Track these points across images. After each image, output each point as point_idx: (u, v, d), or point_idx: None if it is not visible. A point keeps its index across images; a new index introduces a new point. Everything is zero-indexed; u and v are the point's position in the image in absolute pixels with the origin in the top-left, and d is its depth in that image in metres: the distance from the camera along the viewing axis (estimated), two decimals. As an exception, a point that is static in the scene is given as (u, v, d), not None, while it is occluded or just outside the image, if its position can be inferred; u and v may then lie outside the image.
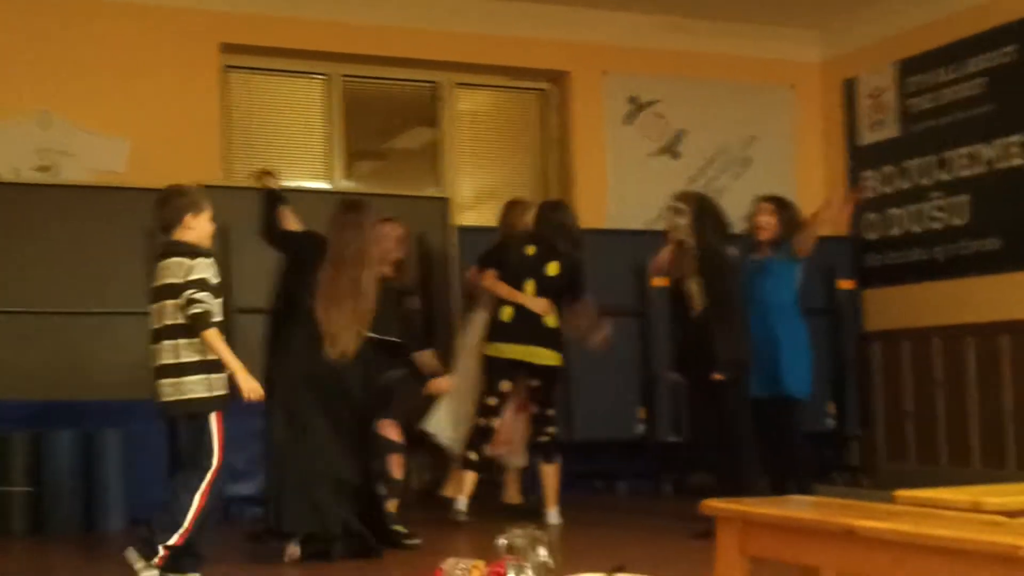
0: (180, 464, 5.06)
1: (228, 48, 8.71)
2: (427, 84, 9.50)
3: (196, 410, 4.86)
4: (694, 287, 6.33)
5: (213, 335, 4.81)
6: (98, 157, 8.24)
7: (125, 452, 7.26)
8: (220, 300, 4.92)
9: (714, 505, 3.48)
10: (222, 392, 4.91)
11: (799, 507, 3.38)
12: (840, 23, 9.81)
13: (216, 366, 4.88)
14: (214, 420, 4.89)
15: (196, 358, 4.86)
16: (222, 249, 7.91)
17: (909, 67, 9.36)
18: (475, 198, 9.63)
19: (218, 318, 4.88)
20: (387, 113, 9.65)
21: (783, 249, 6.75)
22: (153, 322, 4.95)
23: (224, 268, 7.85)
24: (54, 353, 7.67)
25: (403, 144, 9.90)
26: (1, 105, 8.05)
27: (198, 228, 4.96)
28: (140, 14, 8.41)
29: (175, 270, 4.87)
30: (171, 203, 4.98)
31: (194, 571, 4.94)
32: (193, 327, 4.79)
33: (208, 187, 8.04)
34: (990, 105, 8.72)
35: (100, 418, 7.32)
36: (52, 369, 7.64)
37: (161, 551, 4.76)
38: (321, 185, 9.05)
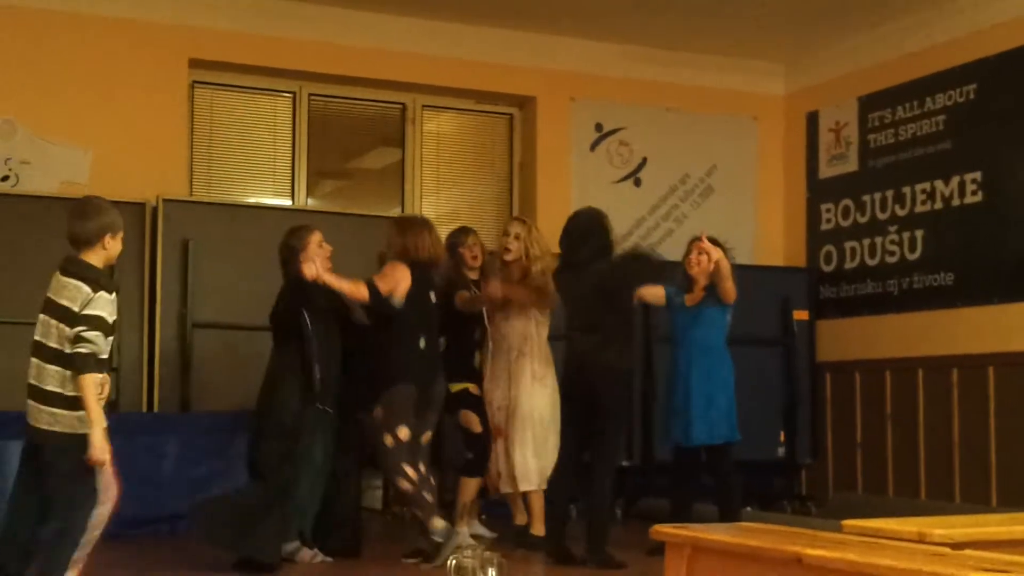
0: (45, 501, 4.73)
1: (196, 63, 8.71)
2: (394, 105, 9.54)
3: (67, 444, 4.61)
4: None
5: (88, 381, 4.57)
6: (61, 168, 8.22)
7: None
8: (111, 339, 4.71)
9: (664, 530, 3.52)
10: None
11: (748, 534, 3.42)
12: (804, 57, 9.94)
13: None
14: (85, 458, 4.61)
15: (72, 392, 4.64)
16: (181, 264, 7.93)
17: (871, 103, 9.49)
18: (438, 220, 9.64)
19: (104, 356, 4.67)
20: (353, 133, 9.68)
21: (712, 296, 6.82)
22: (38, 334, 4.75)
23: (183, 283, 7.94)
24: (11, 362, 7.61)
25: (368, 164, 9.93)
26: (-36, 113, 8.03)
27: (111, 249, 4.78)
28: (109, 27, 8.41)
29: (74, 294, 4.65)
30: (94, 219, 4.75)
31: None
32: (73, 364, 4.59)
33: (172, 201, 8.10)
34: (948, 142, 8.85)
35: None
36: (8, 379, 7.58)
37: None
38: (283, 203, 9.06)
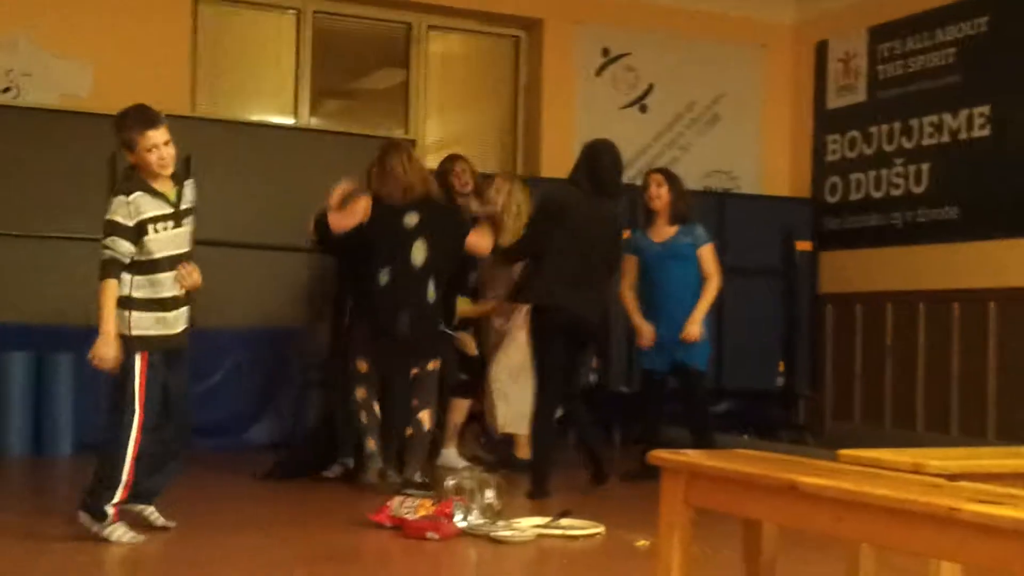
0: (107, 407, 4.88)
1: (199, -23, 8.63)
2: (400, 25, 9.44)
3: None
4: None
5: (105, 287, 4.58)
6: (62, 81, 8.16)
7: (77, 378, 7.26)
8: (162, 234, 4.63)
9: (661, 456, 3.52)
10: (145, 332, 4.64)
11: (744, 461, 3.43)
12: (815, -15, 9.83)
13: (143, 304, 4.64)
14: (136, 363, 4.63)
15: (121, 293, 4.63)
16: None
17: (881, 33, 9.39)
18: (442, 143, 9.60)
19: (161, 253, 4.64)
20: (357, 52, 9.59)
21: (688, 233, 6.86)
22: None
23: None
24: (9, 275, 7.63)
25: (372, 84, 9.85)
26: (-35, 24, 7.95)
27: (141, 161, 4.68)
28: (112, -62, 8.31)
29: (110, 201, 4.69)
30: (114, 135, 4.75)
31: (147, 503, 4.89)
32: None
33: (174, 116, 8.01)
34: (958, 75, 8.77)
35: (54, 342, 7.31)
36: (6, 291, 7.60)
37: (110, 511, 4.64)
38: (286, 121, 9.00)
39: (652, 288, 6.92)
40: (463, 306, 7.17)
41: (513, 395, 6.98)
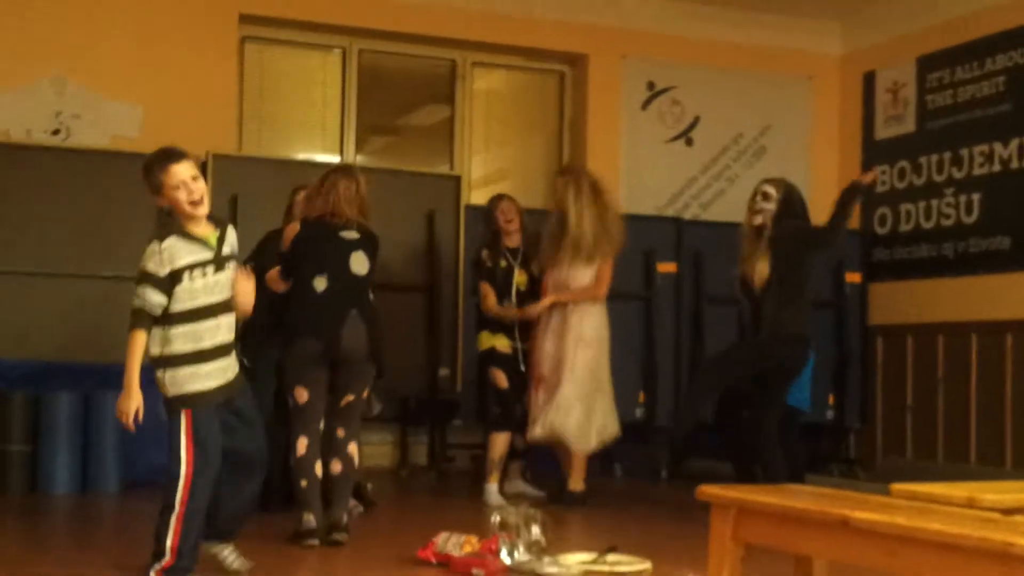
0: None
1: (246, 19, 8.71)
2: (444, 61, 9.49)
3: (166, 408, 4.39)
4: (759, 266, 6.44)
5: (133, 338, 4.31)
6: (111, 122, 8.25)
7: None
8: (199, 282, 4.36)
9: (710, 491, 3.48)
10: (186, 390, 4.34)
11: (794, 496, 3.38)
12: (862, 16, 9.77)
13: (183, 359, 4.34)
14: (181, 421, 4.32)
15: (155, 351, 4.36)
16: (229, 218, 7.87)
17: (929, 63, 9.32)
18: (487, 178, 9.62)
19: (199, 302, 4.35)
20: (403, 89, 9.65)
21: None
22: None
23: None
24: (58, 314, 7.71)
25: (417, 121, 9.90)
26: (16, 68, 8.07)
27: (172, 204, 4.40)
28: (159, -20, 8.42)
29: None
30: (144, 180, 4.44)
31: (225, 541, 4.59)
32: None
33: (221, 156, 8.12)
34: (1008, 104, 8.68)
35: (100, 381, 7.35)
36: (55, 330, 7.67)
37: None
38: (332, 159, 9.05)
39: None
40: (494, 340, 7.21)
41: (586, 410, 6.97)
